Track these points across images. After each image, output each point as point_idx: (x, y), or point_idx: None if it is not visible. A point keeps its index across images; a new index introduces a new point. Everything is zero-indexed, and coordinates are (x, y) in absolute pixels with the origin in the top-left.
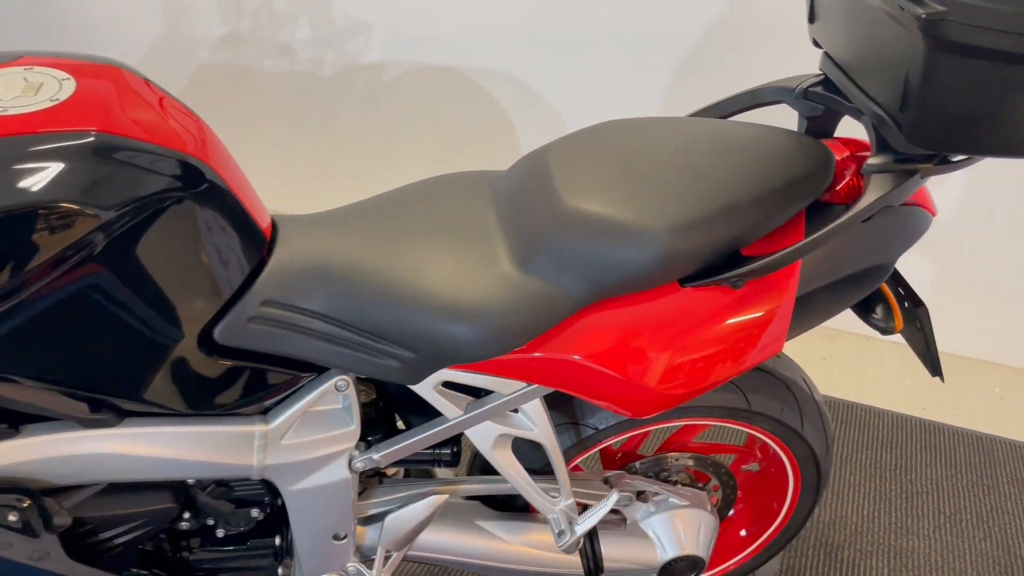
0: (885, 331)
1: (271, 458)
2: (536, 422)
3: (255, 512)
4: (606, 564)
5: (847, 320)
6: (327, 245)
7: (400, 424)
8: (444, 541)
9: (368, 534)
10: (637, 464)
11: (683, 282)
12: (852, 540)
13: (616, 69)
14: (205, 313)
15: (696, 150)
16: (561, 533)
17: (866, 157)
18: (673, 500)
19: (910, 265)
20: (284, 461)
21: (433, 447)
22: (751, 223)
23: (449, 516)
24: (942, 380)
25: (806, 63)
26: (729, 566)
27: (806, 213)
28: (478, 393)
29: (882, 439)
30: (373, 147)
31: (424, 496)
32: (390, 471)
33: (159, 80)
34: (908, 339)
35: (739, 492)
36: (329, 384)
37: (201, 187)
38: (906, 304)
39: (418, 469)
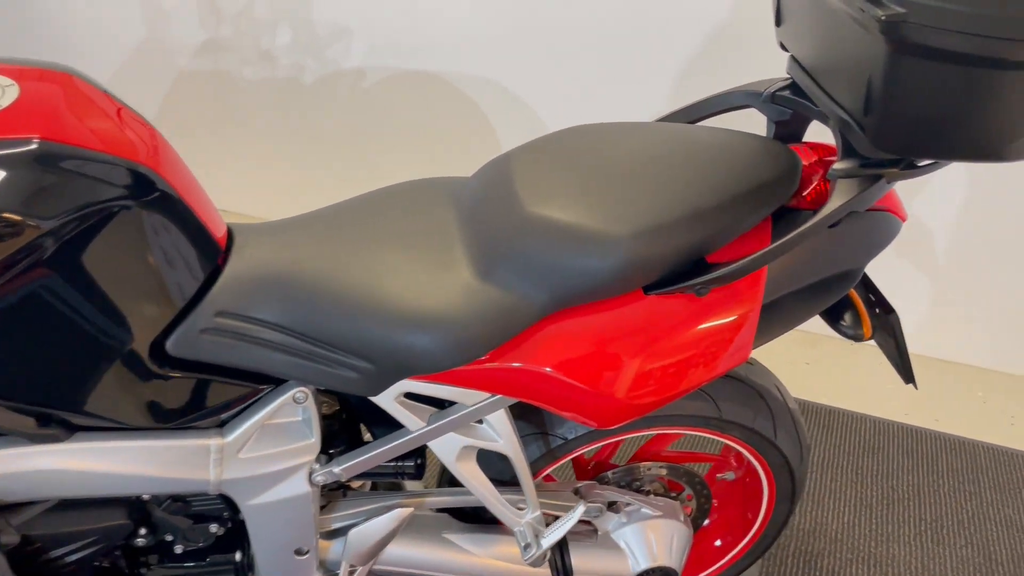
0: (854, 338)
1: (228, 472)
2: (501, 433)
3: (214, 527)
4: None
5: None
6: (283, 253)
7: (366, 436)
8: (411, 554)
9: (332, 548)
10: (609, 474)
11: (647, 290)
12: (832, 548)
13: (595, 74)
14: (157, 324)
15: (660, 155)
16: (527, 546)
17: (833, 162)
18: (645, 510)
19: (891, 271)
20: (242, 475)
21: (397, 459)
22: (716, 229)
23: (416, 529)
24: (915, 387)
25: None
26: None
27: (772, 219)
28: (442, 404)
29: (864, 444)
30: (355, 152)
31: (389, 509)
32: (355, 484)
33: (140, 86)
34: (881, 346)
35: (714, 501)
36: (287, 396)
37: (151, 195)
38: (877, 311)
39: (385, 482)
